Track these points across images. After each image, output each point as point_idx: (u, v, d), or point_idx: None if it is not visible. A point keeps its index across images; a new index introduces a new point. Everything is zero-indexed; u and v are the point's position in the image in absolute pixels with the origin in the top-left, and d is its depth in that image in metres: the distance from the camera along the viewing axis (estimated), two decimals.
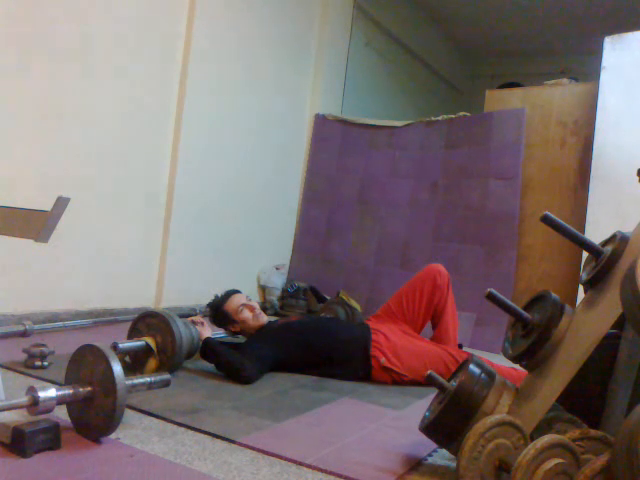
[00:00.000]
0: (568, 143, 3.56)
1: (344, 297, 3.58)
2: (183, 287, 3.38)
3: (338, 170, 4.31)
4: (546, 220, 1.37)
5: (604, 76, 3.32)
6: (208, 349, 2.12)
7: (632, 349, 1.31)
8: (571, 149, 3.55)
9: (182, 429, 1.51)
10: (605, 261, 1.35)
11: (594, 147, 3.31)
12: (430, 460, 1.46)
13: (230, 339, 2.53)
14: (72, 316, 2.75)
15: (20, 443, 1.22)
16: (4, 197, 2.10)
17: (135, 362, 2.01)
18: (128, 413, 1.52)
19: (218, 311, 2.40)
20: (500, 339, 3.22)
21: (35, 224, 1.33)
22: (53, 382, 1.70)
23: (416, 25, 5.80)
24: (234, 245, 3.75)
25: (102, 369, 1.33)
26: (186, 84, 3.25)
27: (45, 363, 1.93)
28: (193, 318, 2.27)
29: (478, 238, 3.65)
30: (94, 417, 1.34)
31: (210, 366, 2.15)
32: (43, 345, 1.96)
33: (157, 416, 1.58)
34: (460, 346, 2.57)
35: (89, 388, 1.35)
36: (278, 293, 3.99)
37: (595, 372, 1.33)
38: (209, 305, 2.48)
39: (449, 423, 1.32)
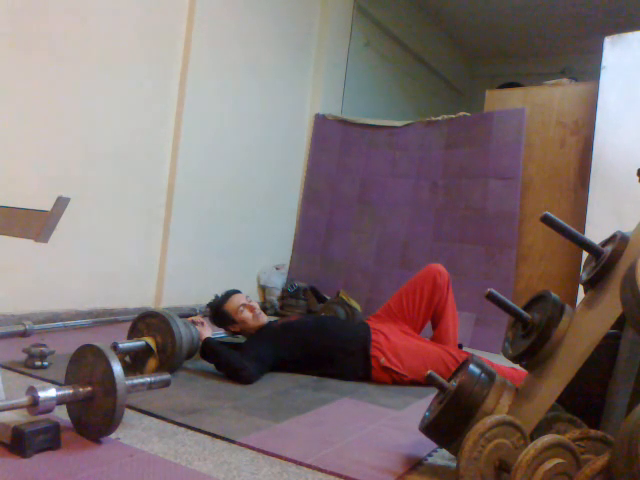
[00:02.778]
0: (568, 143, 3.56)
1: (344, 297, 3.58)
2: (183, 287, 3.38)
3: (338, 170, 4.31)
4: (546, 220, 1.37)
5: (604, 76, 3.32)
6: (208, 349, 2.12)
7: (632, 349, 1.31)
8: (571, 149, 3.55)
9: (182, 429, 1.51)
10: (605, 261, 1.35)
11: (594, 147, 3.31)
12: (430, 460, 1.46)
13: (230, 339, 2.53)
14: (72, 316, 2.75)
15: (20, 443, 1.22)
16: (4, 197, 2.10)
17: (135, 362, 2.01)
18: (128, 413, 1.52)
19: (218, 311, 2.40)
20: (500, 339, 3.22)
21: (35, 224, 1.33)
22: (53, 382, 1.70)
23: (416, 25, 5.80)
24: (234, 245, 3.75)
25: (102, 369, 1.33)
26: (186, 84, 3.25)
27: (45, 363, 1.93)
28: (193, 318, 2.27)
29: (478, 238, 3.65)
30: (94, 417, 1.34)
31: (210, 366, 2.15)
32: (43, 345, 1.96)
33: (157, 416, 1.58)
34: (460, 346, 2.57)
35: (89, 388, 1.35)
36: (278, 293, 3.99)
37: (595, 372, 1.33)
38: (209, 305, 2.47)
39: (449, 423, 1.32)
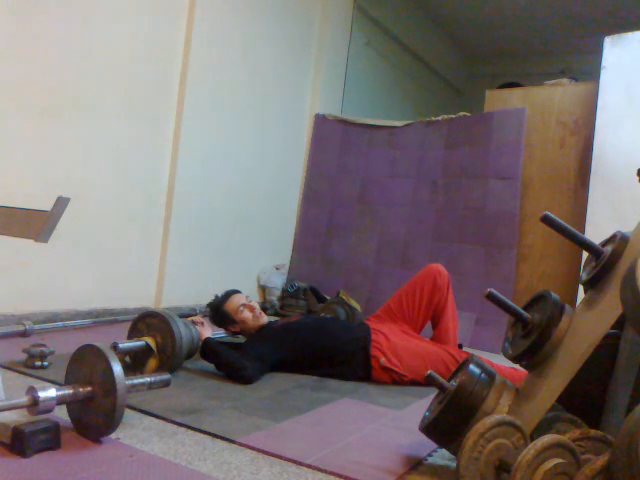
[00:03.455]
0: (568, 143, 3.56)
1: (344, 297, 3.58)
2: (183, 287, 3.38)
3: (338, 170, 4.31)
4: (546, 220, 1.37)
5: (604, 76, 3.32)
6: (208, 349, 2.12)
7: (632, 349, 1.31)
8: (571, 149, 3.55)
9: (182, 429, 1.51)
10: (605, 261, 1.35)
11: (594, 147, 3.31)
12: (430, 460, 1.46)
13: (230, 339, 2.53)
14: (72, 316, 2.75)
15: (20, 443, 1.22)
16: (4, 197, 2.11)
17: (135, 362, 2.01)
18: (128, 413, 1.52)
19: (218, 311, 2.40)
20: (500, 339, 3.22)
21: (35, 224, 1.33)
22: (53, 382, 1.69)
23: (416, 25, 5.80)
24: (234, 245, 3.75)
25: (102, 369, 1.33)
26: (186, 84, 3.25)
27: (45, 363, 1.93)
28: (193, 318, 2.27)
29: (478, 238, 3.65)
30: (94, 417, 1.34)
31: (210, 366, 2.15)
32: (43, 345, 1.96)
33: (157, 416, 1.58)
34: (460, 346, 2.57)
35: (89, 388, 1.35)
36: (278, 293, 3.99)
37: (595, 372, 1.33)
38: (209, 305, 2.47)
39: (449, 423, 1.32)
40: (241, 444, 1.43)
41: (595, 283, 1.37)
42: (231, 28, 3.55)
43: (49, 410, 1.28)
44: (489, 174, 3.67)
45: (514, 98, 3.76)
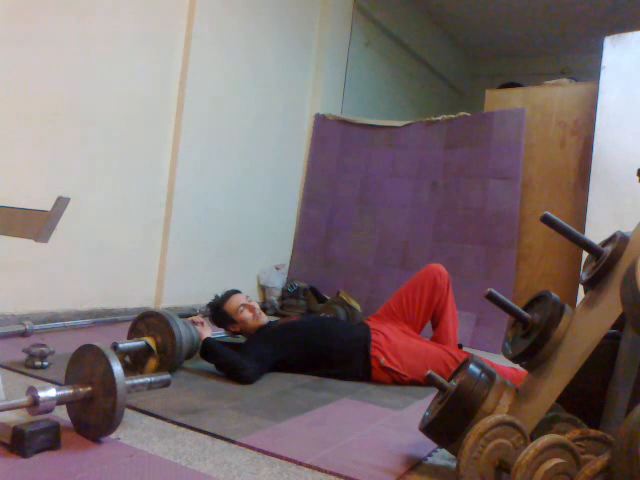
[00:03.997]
0: (568, 143, 3.56)
1: (344, 297, 3.58)
2: (183, 287, 3.38)
3: (338, 170, 4.31)
4: (546, 220, 1.37)
5: (604, 76, 3.33)
6: (208, 349, 2.12)
7: (632, 349, 1.31)
8: (571, 149, 3.55)
9: (182, 429, 1.51)
10: (605, 261, 1.35)
11: (594, 147, 3.31)
12: (430, 460, 1.46)
13: (230, 339, 2.53)
14: (72, 316, 2.75)
15: (20, 443, 1.22)
16: (4, 197, 2.10)
17: (135, 362, 2.01)
18: (128, 413, 1.52)
19: (218, 311, 2.40)
20: (500, 339, 3.22)
21: (35, 224, 1.33)
22: (53, 382, 1.70)
23: (416, 25, 5.80)
24: (234, 245, 3.75)
25: (102, 369, 1.33)
26: (186, 84, 3.25)
27: (45, 363, 1.93)
28: (193, 318, 2.27)
29: (478, 238, 3.65)
30: (94, 417, 1.34)
31: (210, 366, 2.15)
32: (43, 345, 1.96)
33: (157, 416, 1.58)
34: (460, 346, 2.57)
35: (89, 388, 1.35)
36: (278, 293, 3.99)
37: (595, 372, 1.33)
38: (209, 305, 2.48)
39: (449, 423, 1.32)
40: (241, 444, 1.43)
41: (595, 283, 1.37)
42: (231, 28, 3.55)
43: (49, 410, 1.28)
44: (489, 174, 3.67)
45: (514, 98, 3.76)
